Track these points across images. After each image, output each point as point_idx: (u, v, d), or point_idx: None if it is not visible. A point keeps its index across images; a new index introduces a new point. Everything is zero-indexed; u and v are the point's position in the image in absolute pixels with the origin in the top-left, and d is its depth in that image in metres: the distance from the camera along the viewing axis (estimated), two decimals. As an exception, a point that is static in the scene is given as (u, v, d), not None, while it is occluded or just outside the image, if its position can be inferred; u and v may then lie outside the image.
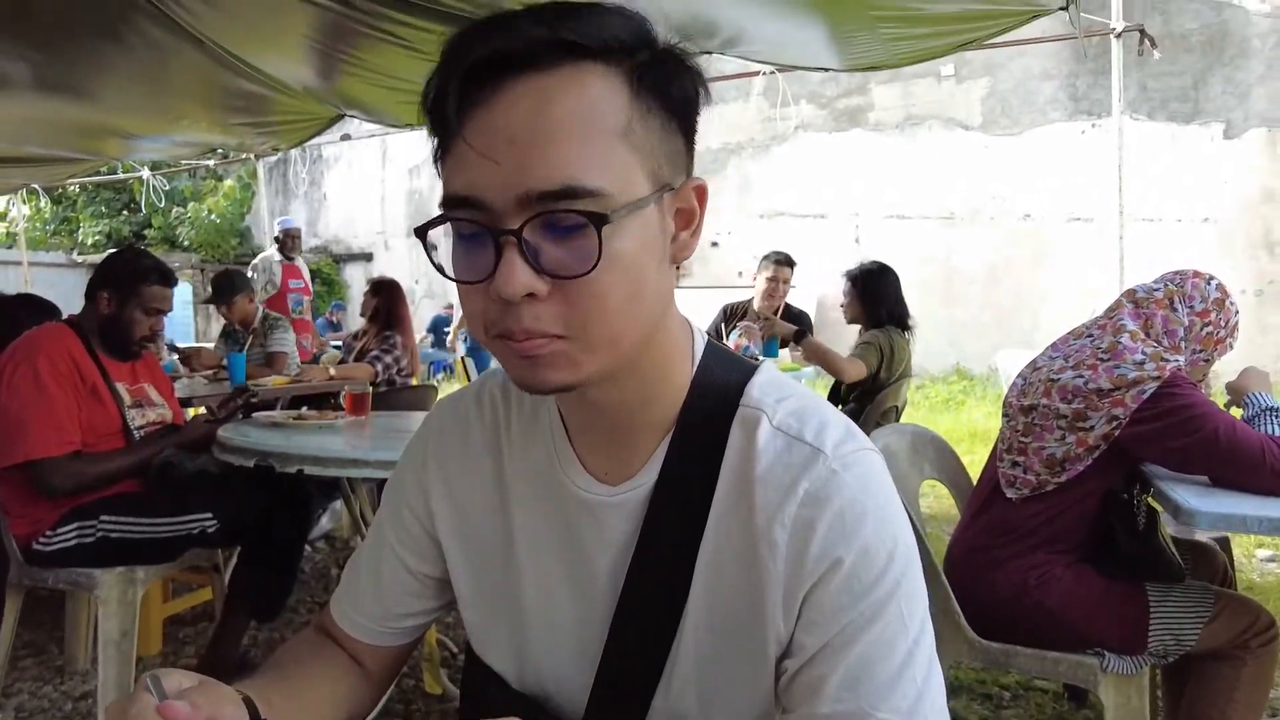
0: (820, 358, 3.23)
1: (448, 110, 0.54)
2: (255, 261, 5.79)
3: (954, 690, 2.25)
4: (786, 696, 0.62)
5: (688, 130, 0.60)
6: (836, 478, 0.61)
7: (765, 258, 3.81)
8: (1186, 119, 8.00)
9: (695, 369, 0.66)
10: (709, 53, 3.40)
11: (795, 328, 3.52)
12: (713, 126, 9.67)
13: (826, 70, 3.65)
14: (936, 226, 9.09)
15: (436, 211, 0.56)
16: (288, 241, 5.66)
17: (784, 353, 3.71)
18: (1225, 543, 2.19)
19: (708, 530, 0.63)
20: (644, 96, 0.56)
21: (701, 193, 0.61)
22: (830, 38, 3.02)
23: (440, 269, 0.57)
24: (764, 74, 4.24)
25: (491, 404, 0.73)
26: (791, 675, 0.61)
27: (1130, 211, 4.19)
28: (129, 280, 2.19)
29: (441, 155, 0.57)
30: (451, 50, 0.55)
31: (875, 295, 3.23)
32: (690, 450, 0.64)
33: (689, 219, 0.61)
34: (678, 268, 0.61)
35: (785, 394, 0.66)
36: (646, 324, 0.59)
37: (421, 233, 0.57)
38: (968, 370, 8.68)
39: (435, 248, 0.59)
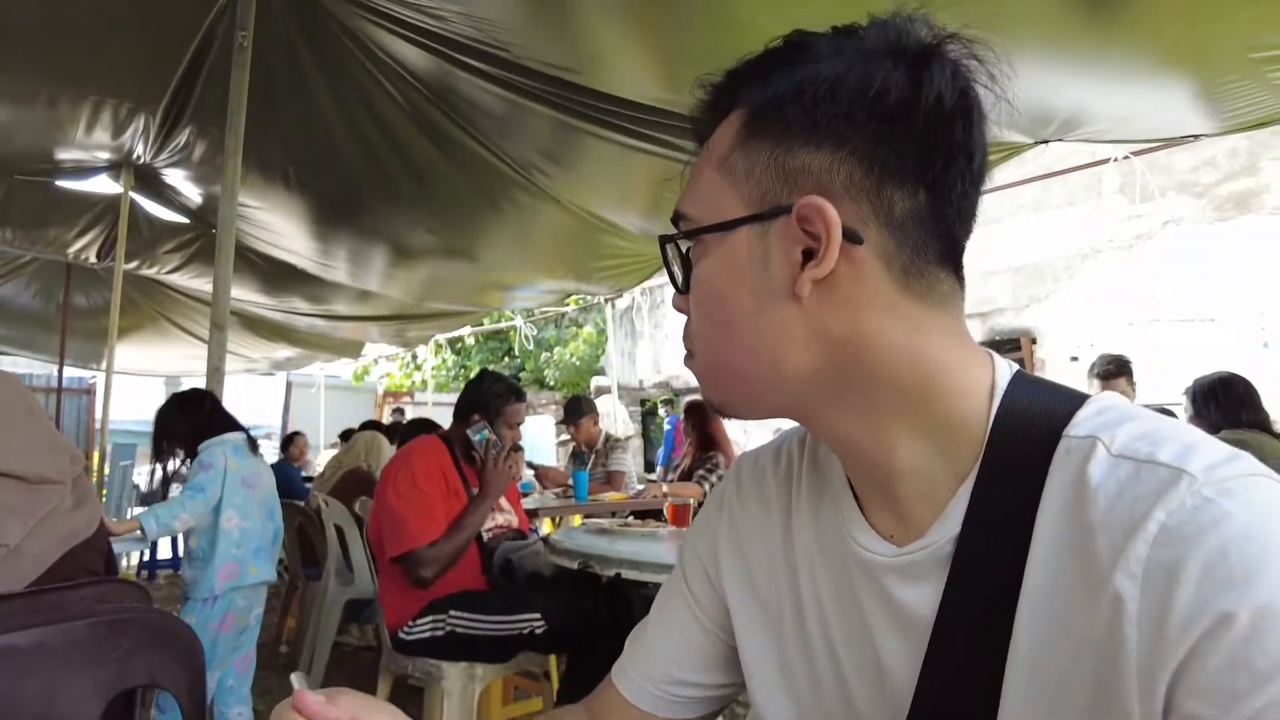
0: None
1: None
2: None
3: None
4: None
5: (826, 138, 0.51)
6: (1211, 506, 0.43)
7: (1093, 365, 3.57)
8: None
9: (998, 402, 0.53)
10: (1044, 141, 3.14)
11: None
12: (1061, 228, 8.87)
13: (1194, 138, 3.14)
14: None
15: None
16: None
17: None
18: None
19: (1023, 598, 0.48)
20: (753, 122, 0.54)
21: (817, 211, 0.50)
22: (1195, 95, 2.60)
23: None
24: (1115, 160, 3.78)
25: (788, 457, 0.68)
26: None
27: None
28: (493, 401, 2.47)
29: None
30: None
31: (1208, 407, 2.93)
32: (995, 499, 0.51)
33: (816, 248, 0.51)
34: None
35: (1130, 416, 0.50)
36: (755, 357, 0.54)
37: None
38: None
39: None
